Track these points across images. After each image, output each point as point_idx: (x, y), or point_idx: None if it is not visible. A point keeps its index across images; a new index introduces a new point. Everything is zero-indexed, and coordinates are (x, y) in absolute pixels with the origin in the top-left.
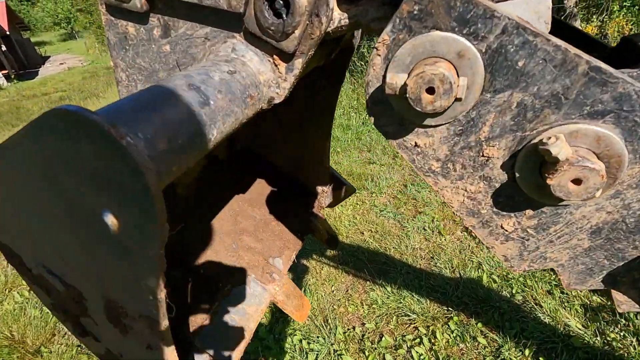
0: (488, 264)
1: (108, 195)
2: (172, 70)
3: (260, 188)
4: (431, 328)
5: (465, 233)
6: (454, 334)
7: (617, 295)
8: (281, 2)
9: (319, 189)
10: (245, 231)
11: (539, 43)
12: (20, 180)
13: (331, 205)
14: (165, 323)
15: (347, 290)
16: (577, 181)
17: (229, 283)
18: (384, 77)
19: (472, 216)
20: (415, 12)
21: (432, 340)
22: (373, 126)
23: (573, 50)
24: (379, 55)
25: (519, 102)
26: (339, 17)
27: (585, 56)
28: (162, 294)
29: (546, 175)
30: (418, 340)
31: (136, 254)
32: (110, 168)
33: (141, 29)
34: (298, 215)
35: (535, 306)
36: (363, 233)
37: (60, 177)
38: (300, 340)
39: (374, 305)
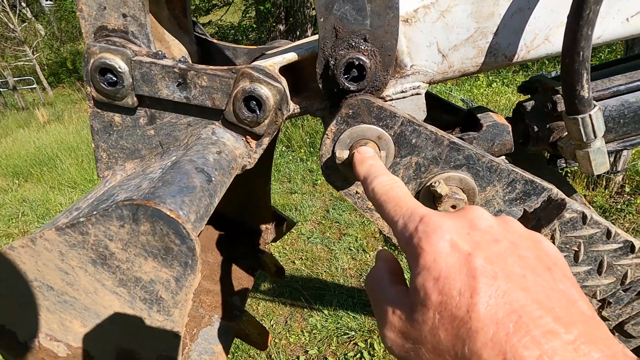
0: (407, 272)
1: (155, 259)
2: (155, 149)
3: (209, 234)
4: (369, 341)
5: (386, 247)
6: None
7: None
8: (254, 102)
9: (263, 227)
10: (202, 276)
11: (422, 130)
12: (48, 262)
13: (275, 240)
14: (181, 358)
15: (287, 322)
16: (454, 207)
17: (196, 327)
18: (333, 152)
19: None
20: (350, 113)
21: (372, 352)
22: (291, 158)
23: (440, 132)
24: (329, 138)
25: (416, 162)
26: (293, 107)
27: (447, 135)
28: (183, 331)
29: (437, 204)
30: (359, 355)
31: (169, 301)
32: (164, 239)
33: (127, 118)
34: (247, 254)
35: None
36: (294, 262)
37: (113, 252)
38: None
39: (314, 331)
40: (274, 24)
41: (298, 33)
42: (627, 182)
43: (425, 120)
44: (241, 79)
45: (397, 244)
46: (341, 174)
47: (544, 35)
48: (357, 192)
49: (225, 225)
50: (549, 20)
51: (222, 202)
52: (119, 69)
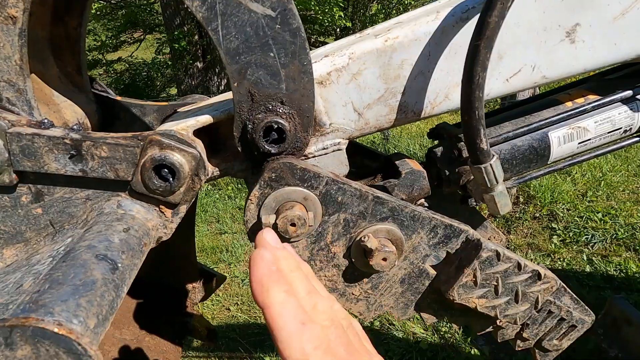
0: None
1: None
2: (44, 230)
3: (125, 305)
4: None
5: None
6: None
7: (424, 315)
8: (167, 170)
9: (189, 286)
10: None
11: (347, 187)
12: None
13: (204, 299)
14: None
15: None
16: (384, 259)
17: None
18: (259, 216)
19: (333, 292)
20: (273, 177)
21: None
22: (218, 197)
23: (365, 188)
24: (253, 203)
25: (344, 219)
26: (211, 170)
27: (371, 190)
28: None
29: (368, 258)
30: None
31: None
32: (59, 359)
33: (4, 197)
34: (172, 320)
35: (389, 326)
36: (229, 309)
37: None
38: None
39: None
40: (191, 62)
41: (217, 70)
42: (520, 193)
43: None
44: (149, 146)
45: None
46: None
47: (444, 94)
48: None
49: (144, 290)
50: (446, 81)
51: None
52: None
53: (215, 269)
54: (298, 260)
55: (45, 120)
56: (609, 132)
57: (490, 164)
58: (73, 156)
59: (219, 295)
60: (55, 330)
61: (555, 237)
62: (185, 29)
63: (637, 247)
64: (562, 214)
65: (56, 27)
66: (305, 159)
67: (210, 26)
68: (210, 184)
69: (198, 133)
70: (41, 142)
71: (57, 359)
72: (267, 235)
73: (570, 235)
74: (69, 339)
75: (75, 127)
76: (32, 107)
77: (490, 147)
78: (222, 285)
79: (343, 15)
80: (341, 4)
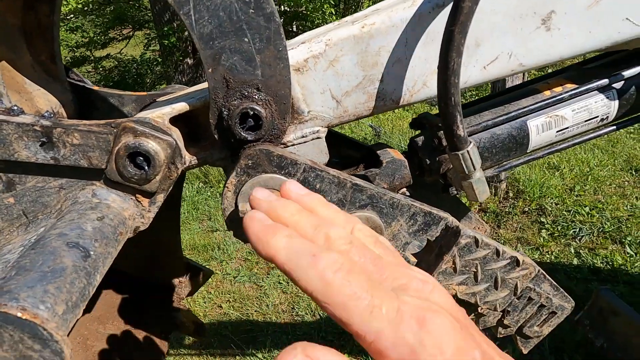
0: None
1: None
2: (17, 220)
3: (109, 300)
4: None
5: None
6: None
7: None
8: (142, 158)
9: (176, 281)
10: (102, 353)
11: (325, 174)
12: None
13: (191, 294)
14: None
15: None
16: None
17: None
18: (236, 204)
19: None
20: (250, 164)
21: None
22: (209, 194)
23: (343, 175)
24: (230, 191)
25: None
26: (189, 159)
27: (350, 178)
28: None
29: None
30: None
31: None
32: (17, 347)
33: None
34: (158, 315)
35: None
36: (221, 306)
37: None
38: None
39: None
40: (181, 58)
41: None
42: (509, 188)
43: (330, 157)
44: (123, 134)
45: None
46: None
47: (422, 81)
48: None
49: (130, 285)
50: (424, 69)
51: (124, 260)
52: None
53: (207, 267)
54: (303, 200)
55: (15, 107)
56: (586, 121)
57: (467, 151)
58: (44, 144)
59: (210, 292)
60: (19, 315)
61: (544, 231)
62: (175, 25)
63: (623, 240)
64: (550, 208)
65: (27, 14)
66: (285, 147)
67: (182, 10)
68: (202, 182)
69: (176, 121)
70: (10, 129)
71: (22, 344)
72: (258, 193)
73: (559, 229)
74: (33, 323)
75: (46, 114)
76: (0, 94)
77: (471, 135)
78: (214, 283)
79: (334, 12)
80: (332, 1)
